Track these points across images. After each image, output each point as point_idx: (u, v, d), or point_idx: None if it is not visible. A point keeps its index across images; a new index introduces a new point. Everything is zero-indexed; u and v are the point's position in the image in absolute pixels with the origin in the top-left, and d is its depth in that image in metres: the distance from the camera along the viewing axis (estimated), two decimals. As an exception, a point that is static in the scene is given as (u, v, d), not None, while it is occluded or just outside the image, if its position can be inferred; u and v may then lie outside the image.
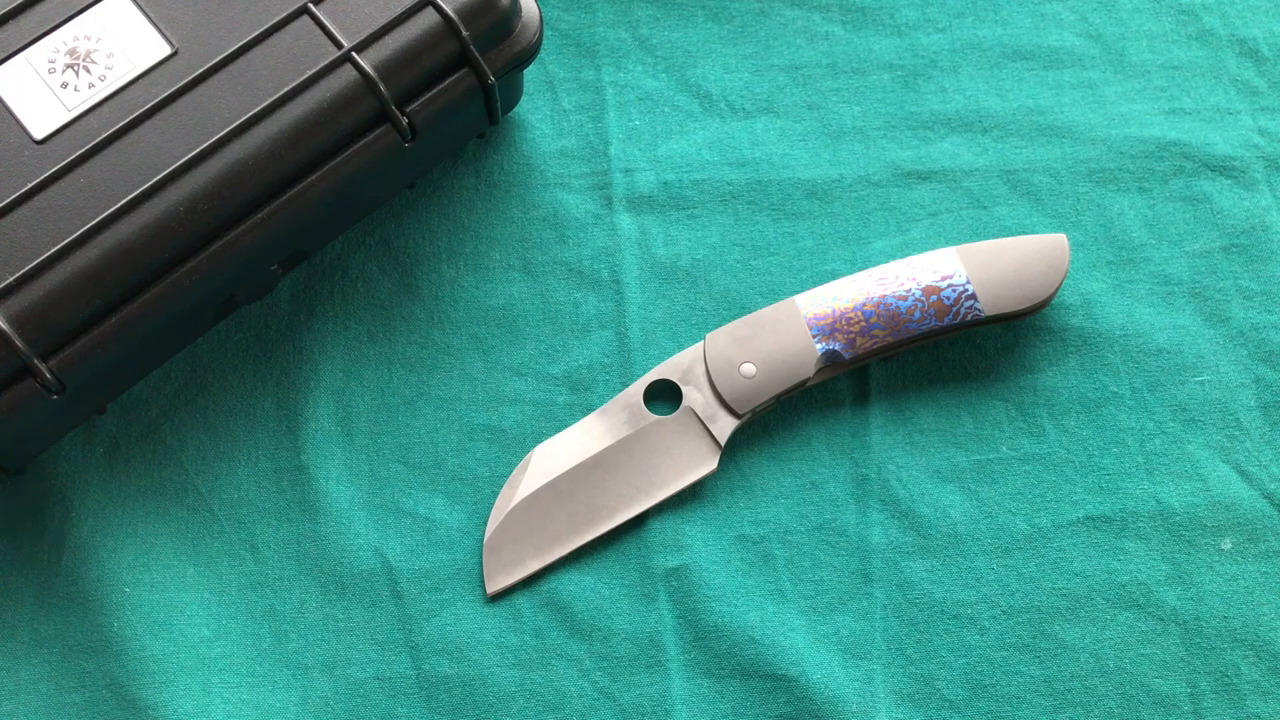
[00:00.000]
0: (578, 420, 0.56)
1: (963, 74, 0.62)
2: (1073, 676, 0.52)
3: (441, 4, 0.52)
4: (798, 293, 0.57)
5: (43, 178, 0.48)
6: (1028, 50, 0.63)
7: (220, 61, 0.51)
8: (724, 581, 0.54)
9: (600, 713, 0.52)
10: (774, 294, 0.58)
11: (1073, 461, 0.55)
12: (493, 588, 0.54)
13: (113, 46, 0.51)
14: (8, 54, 0.50)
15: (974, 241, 0.58)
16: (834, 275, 0.58)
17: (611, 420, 0.55)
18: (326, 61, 0.51)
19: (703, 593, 0.53)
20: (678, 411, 0.55)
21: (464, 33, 0.52)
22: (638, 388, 0.56)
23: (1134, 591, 0.53)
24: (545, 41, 0.61)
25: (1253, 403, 0.56)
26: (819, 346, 0.55)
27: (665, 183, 0.60)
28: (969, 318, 0.55)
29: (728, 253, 0.59)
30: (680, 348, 0.57)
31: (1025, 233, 0.59)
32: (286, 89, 0.50)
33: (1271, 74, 0.62)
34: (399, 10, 0.52)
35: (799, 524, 0.55)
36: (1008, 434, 0.56)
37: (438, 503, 0.55)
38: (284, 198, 0.51)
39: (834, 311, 0.55)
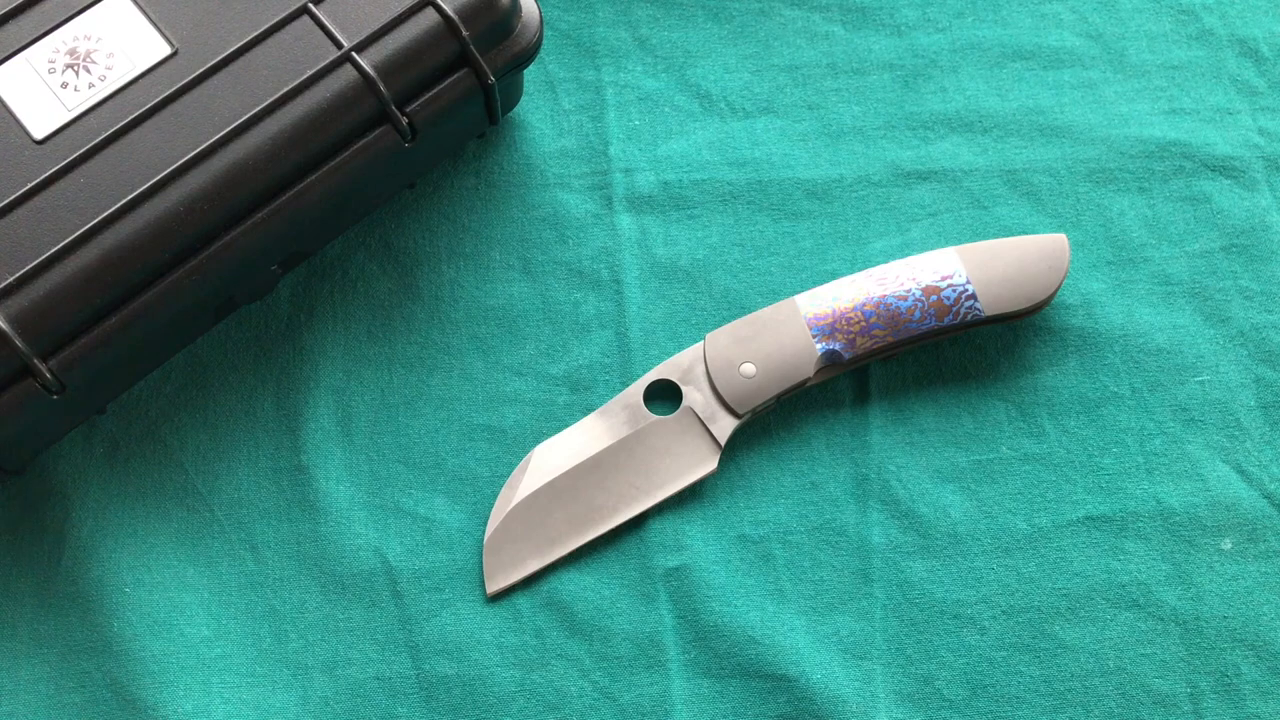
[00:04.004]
0: (578, 420, 0.56)
1: (963, 74, 0.62)
2: (1073, 676, 0.52)
3: (441, 4, 0.52)
4: (798, 293, 0.57)
5: (43, 178, 0.48)
6: (1028, 50, 0.63)
7: (220, 61, 0.51)
8: (724, 581, 0.54)
9: (600, 713, 0.52)
10: (774, 294, 0.58)
11: (1073, 461, 0.55)
12: (493, 588, 0.54)
13: (113, 46, 0.51)
14: (8, 54, 0.50)
15: (974, 241, 0.58)
16: (834, 275, 0.58)
17: (611, 420, 0.55)
18: (326, 61, 0.51)
19: (703, 593, 0.53)
20: (678, 411, 0.55)
21: (464, 33, 0.52)
22: (638, 388, 0.56)
23: (1134, 591, 0.53)
24: (545, 41, 0.61)
25: (1253, 403, 0.56)
26: (819, 346, 0.55)
27: (665, 183, 0.60)
28: (969, 318, 0.55)
29: (728, 253, 0.59)
30: (680, 348, 0.57)
31: (1025, 233, 0.59)
32: (286, 89, 0.50)
33: (1271, 74, 0.62)
34: (399, 10, 0.52)
35: (799, 524, 0.55)
36: (1008, 434, 0.56)
37: (438, 503, 0.55)
38: (284, 198, 0.51)
39: (834, 311, 0.55)
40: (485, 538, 0.54)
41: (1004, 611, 0.53)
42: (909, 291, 0.55)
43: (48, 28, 0.51)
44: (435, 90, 0.53)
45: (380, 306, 0.58)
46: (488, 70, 0.53)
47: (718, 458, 0.55)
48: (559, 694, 0.52)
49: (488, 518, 0.55)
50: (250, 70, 0.51)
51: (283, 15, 0.51)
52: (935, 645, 0.53)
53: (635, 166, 0.61)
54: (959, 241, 0.59)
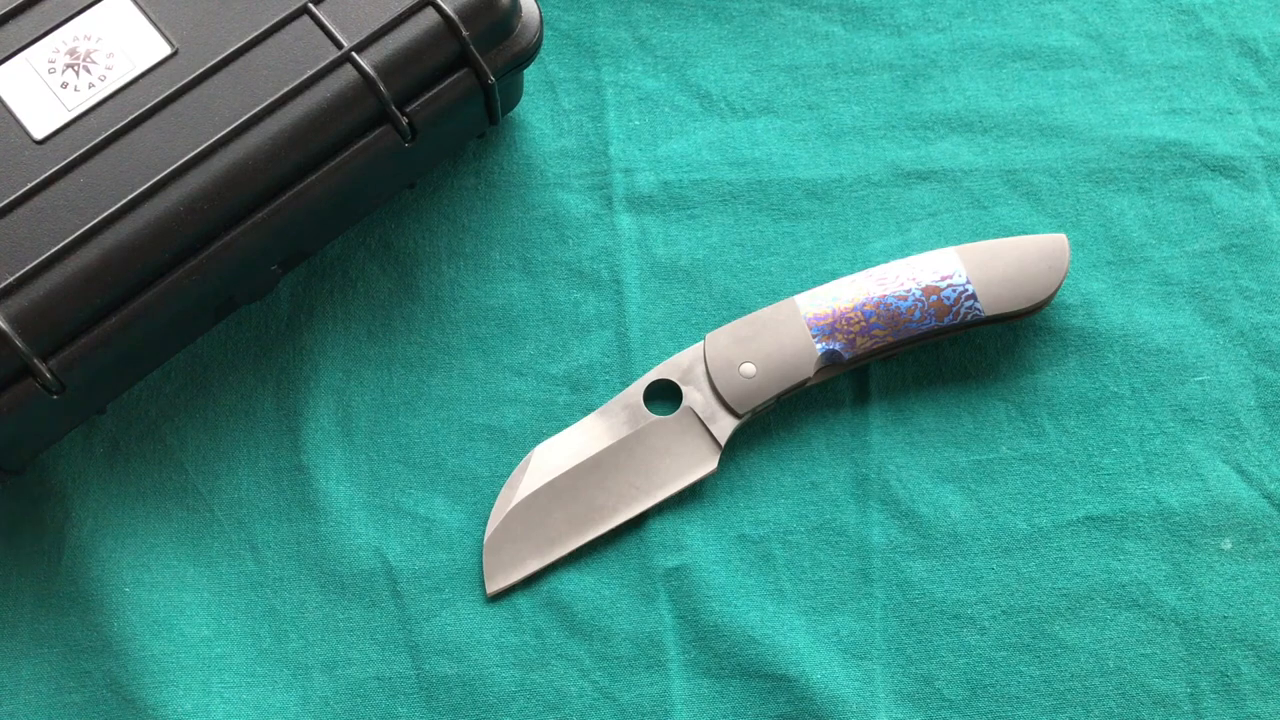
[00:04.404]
0: (578, 420, 0.56)
1: (963, 74, 0.62)
2: (1073, 676, 0.52)
3: (441, 4, 0.52)
4: (798, 293, 0.57)
5: (43, 178, 0.48)
6: (1028, 50, 0.63)
7: (220, 61, 0.51)
8: (724, 581, 0.54)
9: (600, 713, 0.52)
10: (774, 294, 0.58)
11: (1073, 461, 0.55)
12: (493, 588, 0.54)
13: (113, 46, 0.51)
14: (8, 54, 0.50)
15: (974, 241, 0.58)
16: (834, 275, 0.58)
17: (611, 420, 0.55)
18: (326, 61, 0.51)
19: (703, 593, 0.53)
20: (678, 411, 0.55)
21: (464, 33, 0.52)
22: (638, 388, 0.56)
23: (1134, 591, 0.53)
24: (545, 41, 0.61)
25: (1253, 403, 0.56)
26: (819, 346, 0.55)
27: (665, 183, 0.60)
28: (969, 318, 0.55)
29: (728, 253, 0.59)
30: (680, 348, 0.57)
31: (1025, 233, 0.59)
32: (286, 89, 0.50)
33: (1271, 74, 0.62)
34: (399, 10, 0.52)
35: (799, 524, 0.55)
36: (1008, 434, 0.56)
37: (438, 503, 0.55)
38: (284, 198, 0.51)
39: (834, 311, 0.55)
40: (485, 538, 0.54)
41: (1004, 611, 0.53)
42: (909, 291, 0.55)
43: (48, 28, 0.51)
44: (435, 90, 0.53)
45: (380, 306, 0.58)
46: (488, 70, 0.53)
47: (718, 458, 0.55)
48: (559, 694, 0.52)
49: (488, 518, 0.55)
50: (250, 70, 0.51)
51: (283, 15, 0.51)
52: (935, 645, 0.53)
53: (635, 166, 0.61)
54: (959, 241, 0.59)
